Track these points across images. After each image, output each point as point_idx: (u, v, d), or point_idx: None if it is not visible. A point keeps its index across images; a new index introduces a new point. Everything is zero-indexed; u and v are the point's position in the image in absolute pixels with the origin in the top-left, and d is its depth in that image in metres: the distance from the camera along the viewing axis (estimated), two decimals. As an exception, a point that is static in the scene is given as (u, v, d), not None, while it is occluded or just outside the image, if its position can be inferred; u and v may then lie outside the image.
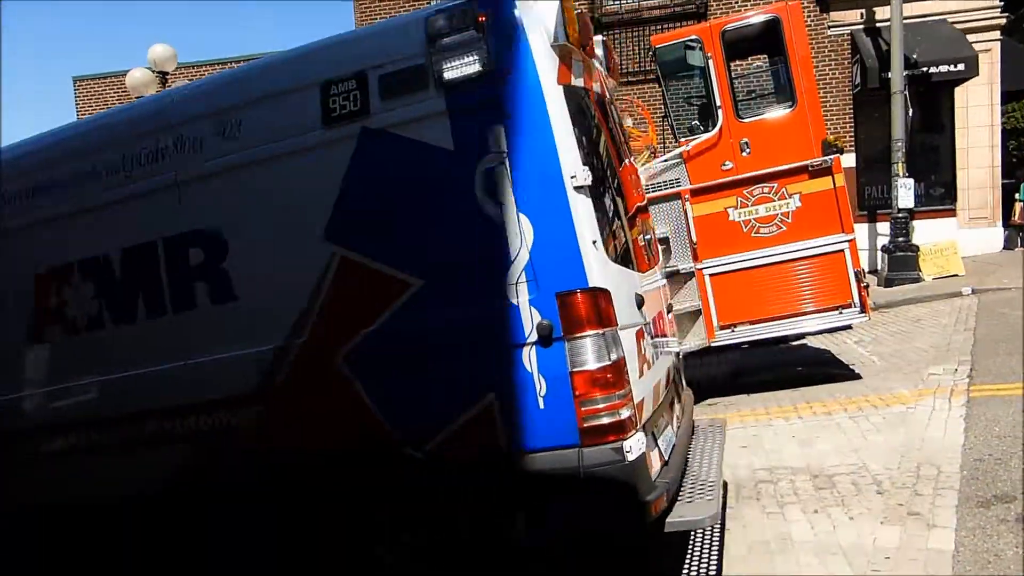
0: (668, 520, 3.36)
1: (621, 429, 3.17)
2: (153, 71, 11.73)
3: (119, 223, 3.85)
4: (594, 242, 3.24)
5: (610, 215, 3.76)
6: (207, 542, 3.72)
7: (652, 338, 3.86)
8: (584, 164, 3.26)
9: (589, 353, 3.17)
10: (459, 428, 3.28)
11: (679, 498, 3.53)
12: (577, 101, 3.48)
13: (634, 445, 3.20)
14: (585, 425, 3.16)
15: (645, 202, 4.77)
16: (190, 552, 3.77)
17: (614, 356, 3.20)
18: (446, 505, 3.35)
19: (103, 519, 3.93)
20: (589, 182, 3.26)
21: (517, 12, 3.22)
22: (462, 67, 3.22)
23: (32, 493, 4.13)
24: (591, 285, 3.20)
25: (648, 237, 4.40)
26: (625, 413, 3.19)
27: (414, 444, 3.34)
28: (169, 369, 3.75)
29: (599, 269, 3.25)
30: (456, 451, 3.29)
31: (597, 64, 4.05)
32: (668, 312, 4.47)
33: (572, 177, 3.21)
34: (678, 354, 4.56)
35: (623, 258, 3.72)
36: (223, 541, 3.67)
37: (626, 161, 4.36)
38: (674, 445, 3.82)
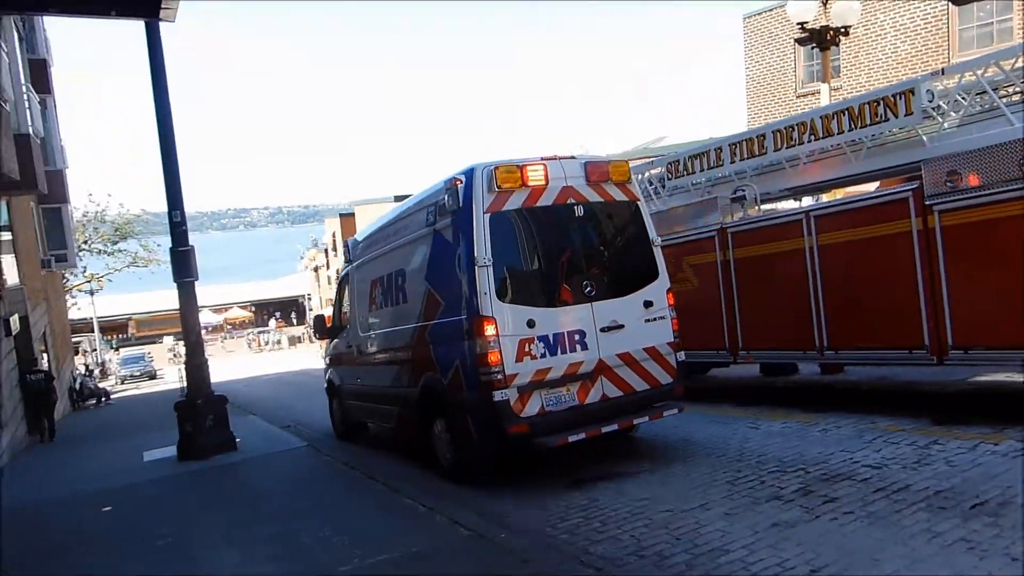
0: (535, 440, 7.42)
1: (495, 387, 7.33)
2: None
3: (385, 262, 9.91)
4: (485, 293, 7.41)
5: (524, 274, 7.84)
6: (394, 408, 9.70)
7: (548, 343, 7.63)
8: (490, 255, 7.47)
9: (484, 346, 7.37)
10: (451, 374, 7.90)
11: (569, 432, 7.55)
12: (505, 219, 7.69)
13: (501, 395, 7.34)
14: (482, 380, 7.39)
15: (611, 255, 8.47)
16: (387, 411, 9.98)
17: (495, 348, 7.37)
18: (452, 408, 8.01)
19: (374, 397, 10.36)
20: (490, 264, 7.46)
21: (473, 177, 7.66)
22: (452, 204, 7.84)
23: (358, 379, 11.07)
24: (483, 314, 7.39)
25: (588, 287, 7.92)
26: (499, 377, 7.33)
27: (444, 378, 8.04)
28: (396, 330, 9.38)
29: (489, 306, 7.40)
30: (451, 385, 7.92)
31: (562, 183, 8.08)
32: (614, 328, 7.95)
33: (483, 261, 7.47)
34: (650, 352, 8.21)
35: (538, 298, 7.73)
36: (396, 407, 9.58)
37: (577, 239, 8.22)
38: (573, 405, 7.66)
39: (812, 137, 10.24)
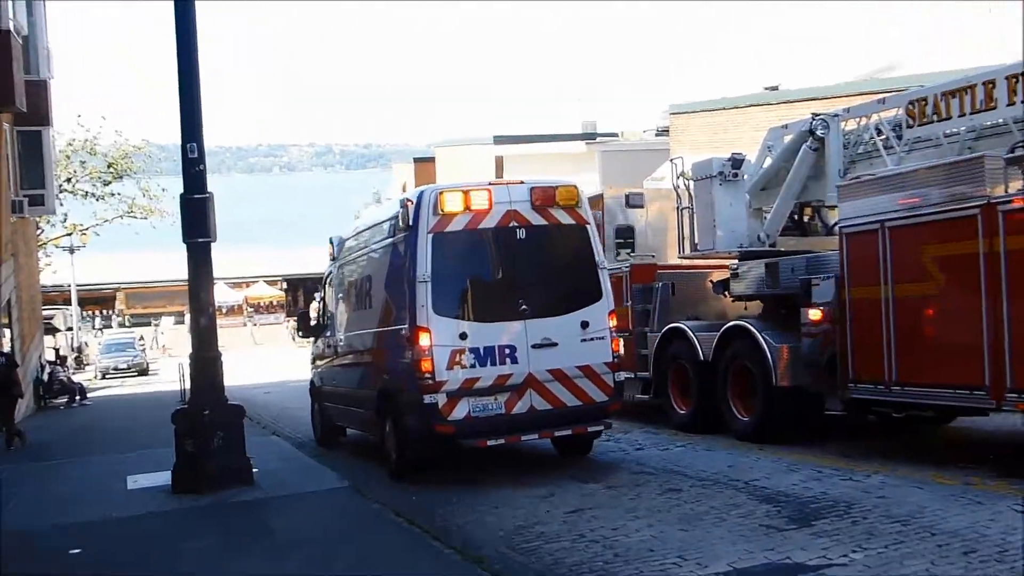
0: (459, 440, 11.62)
1: (427, 390, 11.37)
2: None
3: (360, 266, 14.42)
4: (423, 306, 11.42)
5: (461, 290, 11.87)
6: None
7: (479, 355, 11.51)
8: (430, 271, 11.44)
9: (419, 354, 11.40)
10: (399, 378, 12.15)
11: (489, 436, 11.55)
12: (447, 239, 11.63)
13: (431, 398, 11.37)
14: (417, 384, 11.42)
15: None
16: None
17: (428, 356, 11.37)
18: (397, 409, 12.24)
19: (348, 399, 14.76)
20: (429, 279, 11.42)
21: (421, 199, 11.76)
22: (403, 223, 12.01)
23: (335, 381, 15.63)
24: (419, 324, 11.44)
25: (523, 305, 11.68)
26: (430, 382, 11.36)
27: (394, 381, 12.32)
28: (364, 333, 13.85)
29: (426, 317, 11.42)
30: (398, 388, 12.16)
31: (507, 207, 11.83)
32: (547, 345, 11.71)
33: (423, 276, 11.46)
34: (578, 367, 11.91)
35: (473, 313, 11.72)
36: (365, 410, 13.60)
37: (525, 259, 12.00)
38: (499, 414, 11.55)
39: None
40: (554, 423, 11.80)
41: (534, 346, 11.63)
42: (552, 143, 47.30)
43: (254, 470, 12.51)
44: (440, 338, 11.35)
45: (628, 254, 16.91)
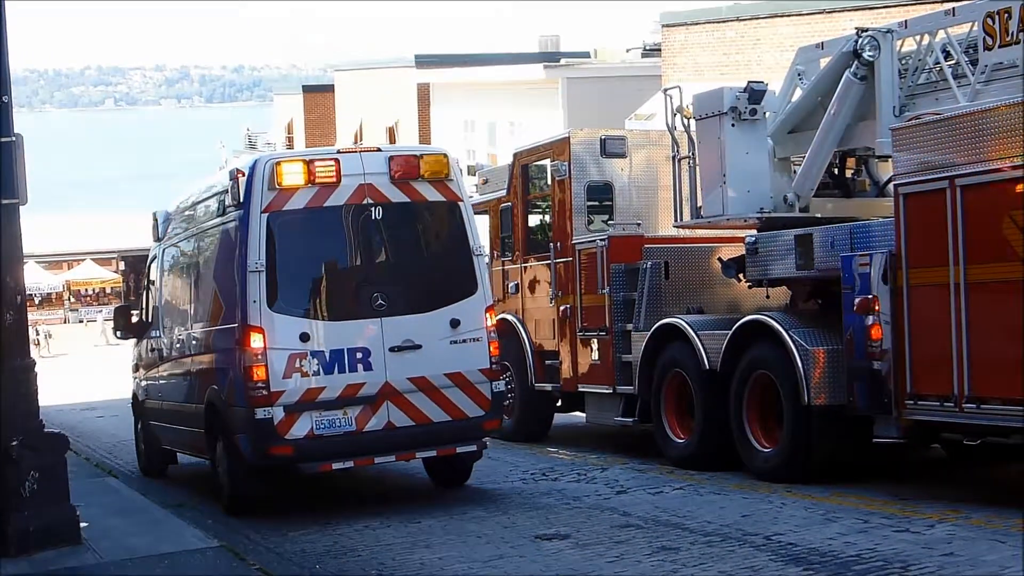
0: (298, 465, 12.98)
1: (258, 403, 12.44)
2: None
3: (187, 248, 16.08)
4: (255, 301, 12.53)
5: (302, 282, 13.38)
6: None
7: (323, 360, 12.66)
8: (263, 259, 12.58)
9: (250, 358, 12.54)
10: (227, 388, 13.34)
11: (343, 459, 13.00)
12: (286, 220, 12.80)
13: (264, 413, 12.45)
14: (247, 395, 12.60)
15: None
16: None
17: (260, 361, 12.47)
18: (226, 427, 13.40)
19: (175, 416, 15.89)
20: (263, 269, 12.58)
21: (254, 171, 12.82)
22: (233, 199, 13.15)
23: (160, 394, 16.80)
24: (250, 323, 12.56)
25: (379, 300, 12.83)
26: (263, 394, 12.46)
27: (222, 392, 13.49)
28: (191, 333, 15.17)
29: (258, 315, 12.55)
30: (227, 400, 13.33)
31: (359, 180, 12.97)
32: (408, 348, 12.85)
33: (255, 265, 12.59)
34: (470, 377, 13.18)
35: (316, 310, 13.11)
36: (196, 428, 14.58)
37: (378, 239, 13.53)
38: (349, 431, 12.72)
39: None
40: (417, 443, 13.13)
41: (392, 349, 12.78)
42: (498, 66, 47.04)
43: (82, 524, 12.32)
44: (276, 340, 12.48)
45: (605, 222, 17.00)
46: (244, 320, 12.57)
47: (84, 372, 46.51)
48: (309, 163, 12.73)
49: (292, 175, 12.56)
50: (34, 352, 39.17)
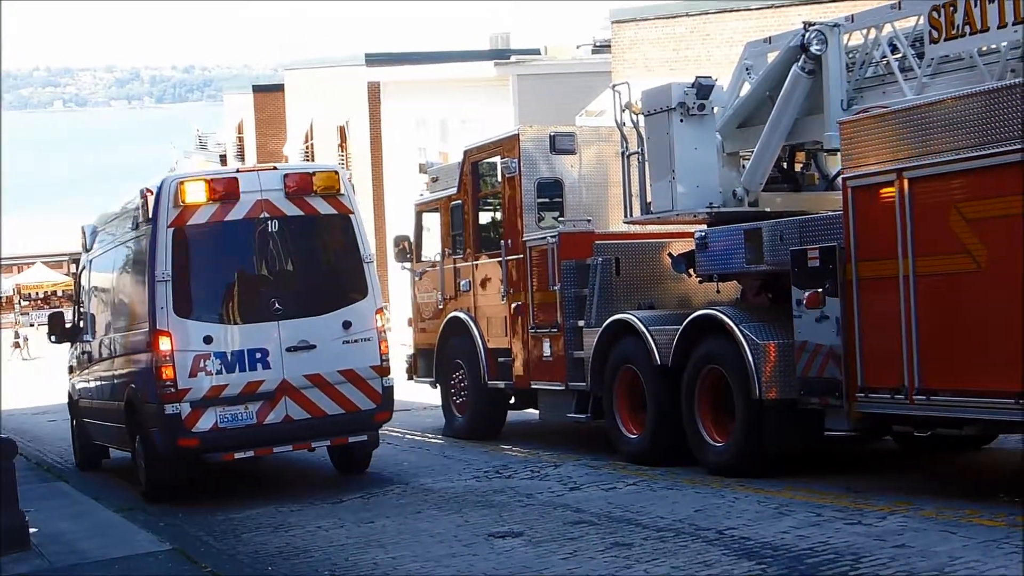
0: (204, 455, 14.61)
1: (167, 400, 14.17)
2: None
3: (110, 259, 17.59)
4: (162, 307, 14.25)
5: (205, 290, 15.04)
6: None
7: (225, 360, 14.35)
8: (170, 269, 14.22)
9: (159, 360, 14.21)
10: (142, 386, 15.03)
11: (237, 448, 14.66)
12: (189, 234, 14.54)
13: (172, 408, 14.16)
14: (159, 393, 14.28)
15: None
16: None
17: (168, 362, 14.19)
18: (142, 422, 15.11)
19: (104, 413, 17.55)
20: (169, 278, 14.24)
21: (161, 190, 14.54)
22: (144, 215, 15.02)
23: (91, 393, 18.51)
24: (159, 327, 14.27)
25: (276, 304, 14.57)
26: (171, 391, 14.18)
27: (139, 390, 15.14)
28: (115, 337, 16.80)
29: (166, 320, 14.27)
30: (142, 397, 15.03)
31: (256, 196, 14.66)
32: (303, 348, 14.57)
33: (162, 275, 14.30)
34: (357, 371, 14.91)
35: (218, 315, 14.82)
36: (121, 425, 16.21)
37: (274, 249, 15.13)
38: (251, 424, 14.43)
39: None
40: (313, 433, 14.85)
41: (289, 349, 14.51)
42: (449, 64, 47.00)
43: (32, 530, 12.34)
44: (182, 342, 14.18)
45: (555, 219, 17.01)
46: (154, 325, 14.19)
47: (34, 375, 46.22)
48: (210, 182, 14.45)
49: (195, 193, 14.26)
50: (15, 355, 42.01)
